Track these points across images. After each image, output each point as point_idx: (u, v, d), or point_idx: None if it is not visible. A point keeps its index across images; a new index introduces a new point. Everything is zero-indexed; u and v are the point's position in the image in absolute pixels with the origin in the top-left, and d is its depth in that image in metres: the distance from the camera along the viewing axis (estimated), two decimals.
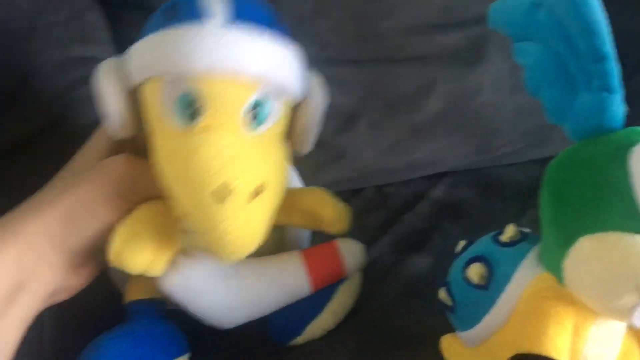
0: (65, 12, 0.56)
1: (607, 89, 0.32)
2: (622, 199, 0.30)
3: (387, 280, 0.52)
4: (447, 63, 0.63)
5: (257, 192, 0.35)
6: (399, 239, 0.58)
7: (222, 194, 0.33)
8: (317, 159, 0.59)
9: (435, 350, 0.41)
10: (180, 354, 0.43)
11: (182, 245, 0.41)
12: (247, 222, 0.35)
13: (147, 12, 0.37)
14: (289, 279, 0.45)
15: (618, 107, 0.32)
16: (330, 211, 0.45)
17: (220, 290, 0.43)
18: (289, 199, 0.41)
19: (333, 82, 0.59)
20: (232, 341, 0.46)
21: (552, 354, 0.33)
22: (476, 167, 0.70)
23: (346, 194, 0.65)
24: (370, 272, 0.50)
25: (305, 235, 0.50)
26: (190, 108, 0.35)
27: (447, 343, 0.42)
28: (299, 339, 0.45)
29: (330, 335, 0.46)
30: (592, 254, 0.31)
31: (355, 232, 0.58)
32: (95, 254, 0.40)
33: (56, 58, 0.53)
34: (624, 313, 0.31)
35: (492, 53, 0.64)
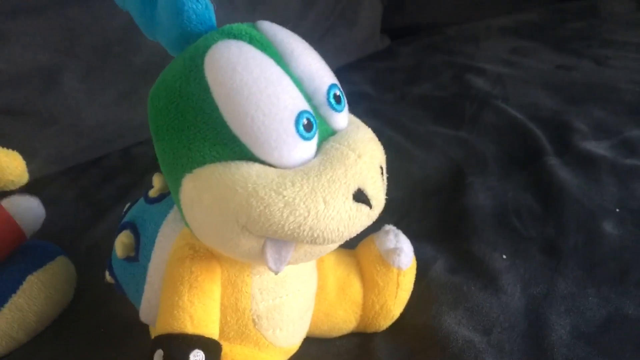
0: None
1: None
2: (208, 121, 0.24)
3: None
4: None
5: None
6: None
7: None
8: (23, 132, 0.49)
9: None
10: None
11: None
12: None
13: None
14: None
15: (197, 4, 0.25)
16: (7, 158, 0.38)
17: None
18: None
19: (16, 39, 0.49)
20: None
21: (187, 329, 0.26)
22: None
23: (83, 168, 0.55)
24: (91, 257, 0.42)
25: None
26: None
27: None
28: None
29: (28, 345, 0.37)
30: (194, 195, 0.24)
31: (85, 210, 0.50)
32: None
33: None
34: (256, 257, 0.25)
35: None
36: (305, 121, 0.24)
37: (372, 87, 0.70)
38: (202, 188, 0.24)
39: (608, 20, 0.82)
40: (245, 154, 0.23)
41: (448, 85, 0.67)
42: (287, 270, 0.30)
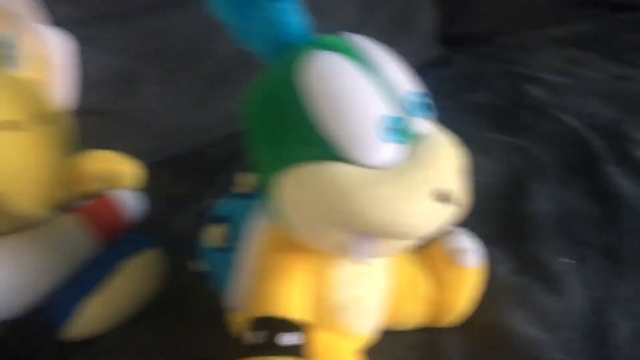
0: None
1: None
2: (301, 125, 0.26)
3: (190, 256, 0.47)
4: None
5: None
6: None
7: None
8: (102, 133, 0.53)
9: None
10: None
11: None
12: None
13: None
14: (66, 238, 0.41)
15: (291, 15, 0.28)
16: (126, 165, 0.47)
17: None
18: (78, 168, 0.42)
19: (101, 44, 0.53)
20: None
21: (282, 312, 0.29)
22: None
23: (158, 165, 0.59)
24: (172, 249, 0.45)
25: None
26: None
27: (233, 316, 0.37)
28: (73, 324, 0.39)
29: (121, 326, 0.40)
30: (288, 193, 0.27)
31: (161, 205, 0.53)
32: None
33: None
34: (342, 250, 0.27)
35: None
36: (391, 126, 0.26)
37: (429, 94, 0.71)
38: (296, 185, 0.26)
39: None
40: (335, 156, 0.26)
41: (505, 94, 0.68)
42: (370, 265, 0.32)
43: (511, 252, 0.43)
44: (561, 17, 0.87)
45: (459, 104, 0.68)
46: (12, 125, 0.35)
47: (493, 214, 0.47)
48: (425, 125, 0.28)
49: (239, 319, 0.36)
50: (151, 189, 0.56)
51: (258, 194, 0.34)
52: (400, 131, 0.26)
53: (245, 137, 0.29)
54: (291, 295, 0.29)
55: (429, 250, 0.38)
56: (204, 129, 0.60)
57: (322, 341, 0.32)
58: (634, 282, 0.39)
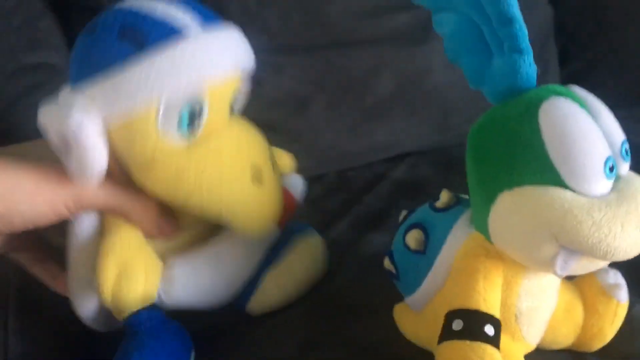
0: (17, 19, 0.57)
1: (517, 50, 0.33)
2: (535, 154, 0.32)
3: (346, 259, 0.53)
4: (396, 44, 0.65)
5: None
6: (359, 219, 0.59)
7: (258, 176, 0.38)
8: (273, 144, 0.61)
9: (389, 319, 0.43)
10: (190, 351, 0.42)
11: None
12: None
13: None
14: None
15: (529, 68, 0.34)
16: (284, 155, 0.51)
17: (205, 277, 0.43)
18: None
19: (284, 70, 0.61)
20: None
21: (481, 308, 0.34)
22: (436, 147, 0.71)
23: (308, 180, 0.66)
24: (331, 252, 0.51)
25: None
26: (191, 120, 0.36)
27: (399, 310, 0.43)
28: (257, 297, 0.46)
29: (291, 308, 0.47)
30: (511, 208, 0.33)
31: (317, 215, 0.60)
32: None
33: (8, 66, 0.54)
34: (547, 263, 0.33)
35: None
36: (610, 164, 0.32)
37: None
38: (520, 202, 0.32)
39: None
40: (559, 182, 0.31)
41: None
42: (548, 282, 0.37)
43: None
44: None
45: None
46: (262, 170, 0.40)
47: (631, 261, 0.51)
48: (626, 168, 0.34)
49: (413, 317, 0.42)
50: (307, 201, 0.63)
51: (456, 208, 0.40)
52: (612, 170, 0.32)
53: (468, 159, 0.36)
54: (490, 294, 0.35)
55: (584, 282, 0.43)
56: (352, 154, 0.67)
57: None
58: None
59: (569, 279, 0.42)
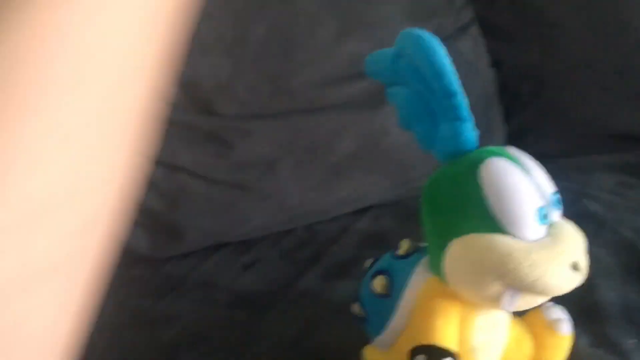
0: None
1: (459, 119, 0.39)
2: (478, 207, 0.37)
3: (314, 306, 0.57)
4: (355, 109, 0.71)
5: None
6: (327, 269, 0.64)
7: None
8: (244, 204, 0.66)
9: None
10: None
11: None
12: None
13: None
14: None
15: (470, 133, 0.40)
16: None
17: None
18: None
19: (253, 135, 0.66)
20: None
21: (440, 343, 0.39)
22: (397, 199, 0.77)
23: (278, 235, 0.70)
24: (300, 301, 0.55)
25: None
26: None
27: (369, 352, 0.47)
28: None
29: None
30: (460, 253, 0.38)
31: (288, 267, 0.64)
32: None
33: None
34: (495, 300, 0.38)
35: None
36: (542, 213, 0.37)
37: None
38: (468, 248, 0.37)
39: None
40: (500, 230, 0.36)
41: (568, 207, 0.80)
42: (499, 318, 0.42)
43: (587, 330, 0.53)
44: (611, 147, 0.99)
45: None
46: None
47: (570, 299, 0.57)
48: (558, 215, 0.40)
49: (381, 357, 0.46)
50: (277, 254, 0.67)
51: (415, 255, 0.45)
52: (545, 217, 0.38)
53: (422, 212, 0.41)
54: (448, 330, 0.39)
55: (531, 317, 0.48)
56: (320, 209, 0.72)
57: None
58: None
59: (519, 315, 0.47)
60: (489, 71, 0.90)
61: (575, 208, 0.80)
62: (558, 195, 0.40)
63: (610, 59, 0.99)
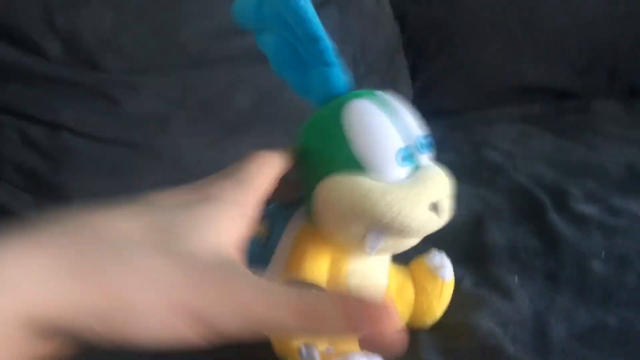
0: None
1: (326, 64, 0.39)
2: (341, 148, 0.37)
3: None
4: (250, 62, 0.69)
5: None
6: None
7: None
8: (135, 163, 0.63)
9: None
10: None
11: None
12: None
13: None
14: None
15: (338, 77, 0.39)
16: None
17: None
18: None
19: (142, 91, 0.64)
20: None
21: (308, 279, 0.39)
22: None
23: None
24: None
25: None
26: None
27: None
28: None
29: None
30: (325, 195, 0.37)
31: None
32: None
33: None
34: (359, 242, 0.38)
35: None
36: (402, 154, 0.37)
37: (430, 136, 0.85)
38: (331, 190, 0.37)
39: (599, 117, 0.98)
40: (361, 171, 0.36)
41: (469, 156, 0.82)
42: (375, 263, 0.42)
43: (473, 271, 0.54)
44: (514, 99, 1.02)
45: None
46: None
47: (459, 242, 0.58)
48: (426, 159, 0.40)
49: None
50: None
51: (295, 203, 0.44)
52: (409, 159, 0.37)
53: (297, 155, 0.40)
54: (315, 271, 0.40)
55: (414, 264, 0.48)
56: (216, 169, 0.70)
57: None
58: (567, 297, 0.51)
59: (403, 263, 0.47)
60: (392, 25, 0.90)
61: (474, 157, 0.83)
62: (429, 139, 0.40)
63: (514, 13, 1.01)
